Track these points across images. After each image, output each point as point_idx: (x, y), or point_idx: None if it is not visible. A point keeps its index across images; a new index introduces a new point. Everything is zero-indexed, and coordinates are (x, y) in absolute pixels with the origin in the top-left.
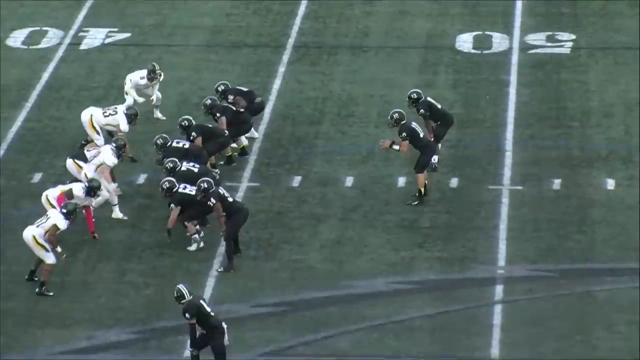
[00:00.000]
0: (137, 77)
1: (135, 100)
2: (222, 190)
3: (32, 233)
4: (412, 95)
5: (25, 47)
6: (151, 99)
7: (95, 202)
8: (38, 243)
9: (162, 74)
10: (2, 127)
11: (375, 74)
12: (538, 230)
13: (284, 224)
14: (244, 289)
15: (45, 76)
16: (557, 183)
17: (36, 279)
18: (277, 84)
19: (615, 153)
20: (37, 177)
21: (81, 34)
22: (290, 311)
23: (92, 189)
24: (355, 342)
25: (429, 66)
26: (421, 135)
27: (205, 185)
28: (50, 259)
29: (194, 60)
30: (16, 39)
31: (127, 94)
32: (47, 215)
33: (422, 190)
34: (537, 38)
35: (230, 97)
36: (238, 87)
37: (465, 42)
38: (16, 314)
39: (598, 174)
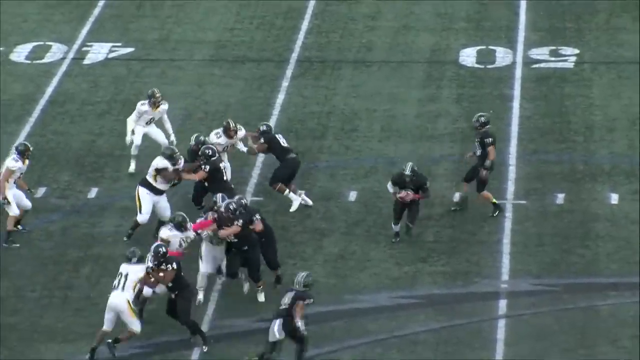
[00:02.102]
0: (139, 104)
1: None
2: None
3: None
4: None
5: (29, 61)
6: (170, 140)
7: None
8: (131, 308)
9: (163, 103)
10: (6, 142)
11: (379, 89)
12: (542, 244)
13: (287, 239)
14: (248, 304)
15: (49, 91)
16: (560, 197)
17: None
18: (280, 98)
19: (619, 167)
20: (40, 191)
21: (85, 48)
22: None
23: None
24: (359, 356)
25: (432, 81)
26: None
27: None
28: (137, 327)
29: (197, 74)
30: (20, 53)
31: (132, 133)
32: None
33: (495, 201)
34: (540, 52)
35: (261, 140)
36: (277, 138)
37: (468, 56)
38: (20, 328)
39: (602, 188)
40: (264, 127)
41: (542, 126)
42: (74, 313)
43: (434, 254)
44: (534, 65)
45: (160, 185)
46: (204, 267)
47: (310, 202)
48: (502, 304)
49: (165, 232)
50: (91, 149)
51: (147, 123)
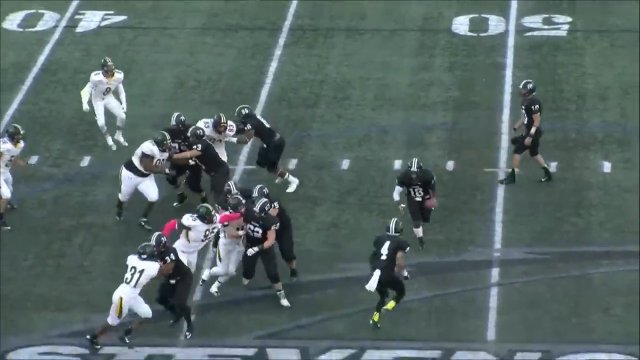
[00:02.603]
0: (92, 75)
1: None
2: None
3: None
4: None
5: (22, 30)
6: (123, 110)
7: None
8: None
9: (118, 71)
10: None
11: (372, 57)
12: (534, 213)
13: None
14: (240, 272)
15: (42, 59)
16: (553, 166)
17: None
18: (273, 66)
19: (611, 136)
20: (33, 159)
21: (77, 17)
22: (286, 294)
23: None
24: (352, 325)
25: (425, 49)
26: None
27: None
28: (149, 314)
29: (190, 43)
30: (12, 22)
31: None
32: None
33: (546, 166)
34: (533, 21)
35: (248, 127)
36: (261, 120)
37: (461, 24)
38: (13, 297)
39: (594, 156)
40: (246, 111)
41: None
42: (66, 282)
43: (427, 222)
44: (527, 34)
45: (145, 171)
46: (223, 267)
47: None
48: (495, 272)
49: (188, 220)
50: (84, 118)
51: (104, 94)
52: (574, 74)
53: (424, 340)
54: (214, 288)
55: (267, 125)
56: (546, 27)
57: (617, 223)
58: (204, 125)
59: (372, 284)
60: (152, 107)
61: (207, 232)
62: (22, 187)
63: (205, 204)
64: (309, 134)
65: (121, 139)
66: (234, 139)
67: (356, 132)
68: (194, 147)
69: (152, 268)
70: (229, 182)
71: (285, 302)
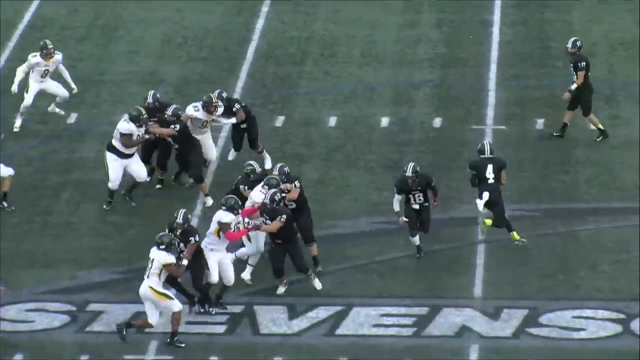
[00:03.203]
0: (30, 56)
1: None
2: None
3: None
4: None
5: None
6: (71, 88)
7: None
8: (158, 292)
9: (57, 53)
10: None
11: (359, 14)
12: (521, 170)
13: None
14: None
15: (28, 16)
16: (540, 123)
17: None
18: (260, 23)
19: (599, 93)
20: (19, 118)
21: None
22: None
23: None
24: (339, 282)
25: (412, 6)
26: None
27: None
28: (176, 306)
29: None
30: None
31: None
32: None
33: (601, 126)
34: None
35: (237, 107)
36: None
37: None
38: (0, 254)
39: (581, 113)
40: (225, 94)
41: (522, 51)
42: (53, 238)
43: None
44: None
45: (127, 150)
46: (251, 248)
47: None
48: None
49: (227, 216)
50: (71, 74)
51: (42, 76)
52: (562, 30)
53: (411, 297)
54: (246, 275)
55: (244, 103)
56: None
57: (604, 180)
58: (194, 109)
59: (480, 206)
60: (139, 64)
61: (236, 226)
62: (9, 144)
63: (232, 195)
64: (296, 91)
65: (56, 110)
66: (230, 120)
67: (343, 90)
68: (172, 126)
69: (163, 257)
70: (251, 162)
71: (317, 283)
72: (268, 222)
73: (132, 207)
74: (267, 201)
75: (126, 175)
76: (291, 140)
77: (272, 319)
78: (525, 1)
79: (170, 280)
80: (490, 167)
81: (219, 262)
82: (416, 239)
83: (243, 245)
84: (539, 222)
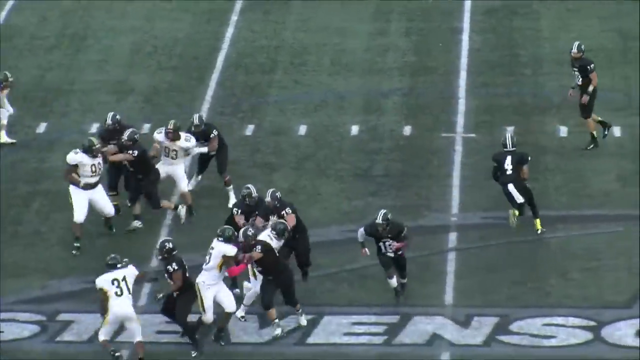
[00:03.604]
0: None
1: None
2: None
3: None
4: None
5: None
6: (9, 113)
7: None
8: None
9: (13, 81)
10: None
11: (328, 23)
12: (491, 177)
13: (237, 173)
14: (198, 238)
15: None
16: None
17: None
18: (229, 32)
19: (568, 100)
20: None
21: None
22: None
23: None
24: (309, 290)
25: (381, 14)
26: None
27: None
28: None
29: (146, 8)
30: None
31: None
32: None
33: (594, 133)
34: None
35: (215, 133)
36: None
37: None
38: None
39: (550, 121)
40: (198, 121)
41: (491, 59)
42: (23, 248)
43: (384, 187)
44: None
45: (87, 179)
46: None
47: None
48: (452, 237)
49: (231, 249)
50: (40, 84)
51: None
52: (530, 38)
53: (382, 305)
54: (240, 312)
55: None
56: None
57: (573, 187)
58: (157, 132)
59: (518, 197)
60: (109, 73)
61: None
62: None
63: (228, 227)
64: (265, 100)
65: (6, 139)
66: (204, 149)
67: (313, 98)
68: (129, 152)
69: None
70: (249, 186)
71: (303, 320)
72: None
73: (101, 216)
74: (242, 238)
75: (92, 209)
76: (261, 149)
77: (243, 328)
78: (494, 9)
79: (168, 310)
80: (509, 159)
81: (218, 295)
82: (393, 281)
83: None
84: (509, 229)
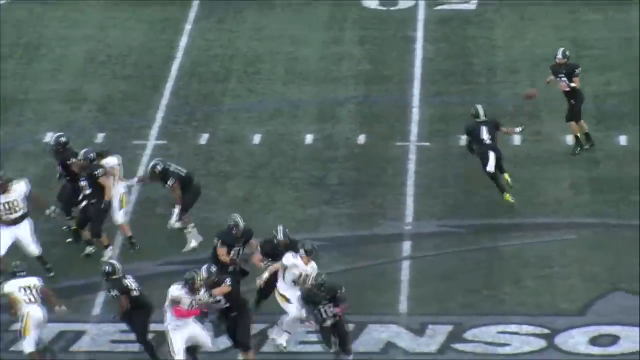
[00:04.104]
0: None
1: None
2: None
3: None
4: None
5: None
6: None
7: None
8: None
9: None
10: None
11: (282, 31)
12: (445, 186)
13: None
14: (152, 247)
15: None
16: (464, 139)
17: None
18: (183, 41)
19: (522, 109)
20: None
21: None
22: (198, 269)
23: None
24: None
25: (335, 22)
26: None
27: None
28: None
29: (100, 17)
30: None
31: None
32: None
33: (578, 135)
34: None
35: (170, 182)
36: (177, 171)
37: None
38: None
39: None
40: (160, 167)
41: (444, 68)
42: None
43: (338, 196)
44: (437, 7)
45: (8, 216)
46: (295, 309)
47: (193, 244)
48: (407, 245)
49: (177, 290)
50: None
51: None
52: (484, 47)
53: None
54: (282, 340)
55: (184, 172)
56: (455, 0)
57: (527, 195)
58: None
59: (491, 165)
60: (62, 82)
61: (193, 303)
62: None
63: (191, 271)
64: (219, 109)
65: None
66: (130, 182)
67: (267, 107)
68: (80, 179)
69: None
70: (236, 215)
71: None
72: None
73: (57, 224)
74: (205, 275)
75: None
76: (215, 158)
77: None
78: (448, 18)
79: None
80: (484, 129)
81: (191, 336)
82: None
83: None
84: (463, 237)
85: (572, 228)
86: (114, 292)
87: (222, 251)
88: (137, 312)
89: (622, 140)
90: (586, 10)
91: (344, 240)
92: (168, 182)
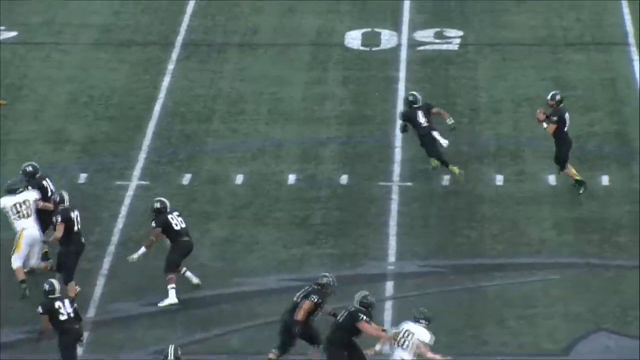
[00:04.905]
0: None
1: None
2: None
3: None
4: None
5: None
6: None
7: None
8: None
9: None
10: None
11: (265, 72)
12: (428, 226)
13: None
14: (134, 287)
15: None
16: (446, 179)
17: None
18: (166, 81)
19: (504, 149)
20: None
21: None
22: (181, 309)
23: None
24: (247, 339)
25: (318, 63)
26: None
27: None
28: None
29: (82, 58)
30: None
31: None
32: None
33: (578, 178)
34: (425, 35)
35: (153, 224)
36: (169, 220)
37: (354, 39)
38: None
39: (487, 169)
40: (158, 205)
41: None
42: None
43: (322, 236)
44: (419, 48)
45: None
46: None
47: (195, 280)
48: (389, 285)
49: None
50: None
51: None
52: (466, 87)
53: (321, 351)
54: None
55: (177, 227)
56: (438, 41)
57: (510, 235)
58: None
59: (445, 141)
60: (44, 122)
61: None
62: None
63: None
64: (202, 149)
65: None
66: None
67: (250, 147)
68: (55, 217)
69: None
70: (328, 274)
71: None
72: None
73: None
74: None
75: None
76: (198, 198)
77: None
78: (430, 58)
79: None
80: (420, 113)
81: None
82: None
83: None
84: (446, 278)
85: (556, 268)
86: (39, 309)
87: (310, 305)
88: (62, 336)
89: (605, 180)
90: (568, 51)
91: None
92: (152, 223)
